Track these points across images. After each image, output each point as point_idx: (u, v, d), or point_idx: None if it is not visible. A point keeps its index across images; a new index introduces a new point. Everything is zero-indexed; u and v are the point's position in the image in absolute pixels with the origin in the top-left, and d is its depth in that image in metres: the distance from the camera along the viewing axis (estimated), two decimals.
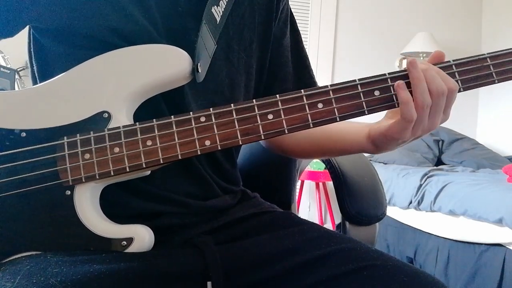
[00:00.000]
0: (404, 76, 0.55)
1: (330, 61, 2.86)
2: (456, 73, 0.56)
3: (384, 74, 0.55)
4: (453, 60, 0.56)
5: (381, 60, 2.91)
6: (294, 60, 0.77)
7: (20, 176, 0.50)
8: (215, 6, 0.61)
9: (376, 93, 0.55)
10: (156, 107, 0.58)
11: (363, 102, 0.54)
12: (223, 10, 0.62)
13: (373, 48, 2.92)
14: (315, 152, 0.75)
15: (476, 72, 0.56)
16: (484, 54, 0.57)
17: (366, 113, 0.54)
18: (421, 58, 2.80)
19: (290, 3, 0.80)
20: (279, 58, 0.75)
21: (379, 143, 0.60)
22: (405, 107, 0.53)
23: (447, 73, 0.55)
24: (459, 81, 0.56)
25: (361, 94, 0.55)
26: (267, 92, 0.74)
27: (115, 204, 0.56)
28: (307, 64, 0.79)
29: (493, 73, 0.56)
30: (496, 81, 0.56)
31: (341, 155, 0.76)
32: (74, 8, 0.55)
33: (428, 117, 0.54)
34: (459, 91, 0.56)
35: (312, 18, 2.85)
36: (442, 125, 2.20)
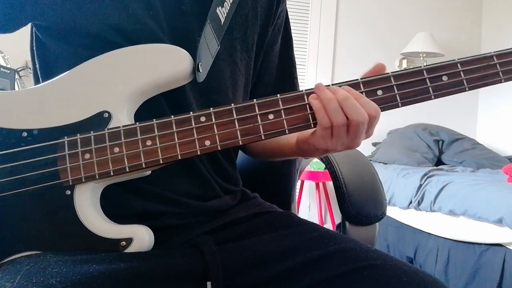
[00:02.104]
0: (407, 75, 0.55)
1: (330, 61, 2.86)
2: (462, 72, 0.54)
3: (387, 73, 0.55)
4: (458, 59, 0.55)
5: (381, 60, 2.89)
6: (281, 66, 0.77)
7: (21, 175, 0.50)
8: (220, 7, 0.61)
9: (379, 92, 0.54)
10: (158, 107, 0.58)
11: None
12: (227, 11, 0.62)
13: (373, 48, 2.92)
14: (263, 153, 0.77)
15: (482, 71, 0.55)
16: (490, 53, 0.55)
17: None
18: (421, 58, 2.80)
19: (290, 3, 0.80)
20: (268, 63, 0.75)
21: (304, 149, 0.60)
22: (317, 113, 0.53)
23: (452, 72, 0.55)
24: (464, 81, 0.55)
25: (364, 94, 0.54)
26: (250, 96, 0.74)
27: (115, 204, 0.56)
28: (292, 71, 0.79)
29: (500, 72, 0.55)
30: (503, 80, 0.55)
31: (278, 158, 0.77)
32: (76, 6, 0.55)
33: (348, 135, 0.53)
34: (465, 90, 0.55)
35: (312, 18, 2.85)
36: (442, 125, 2.17)
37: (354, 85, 0.54)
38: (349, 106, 0.52)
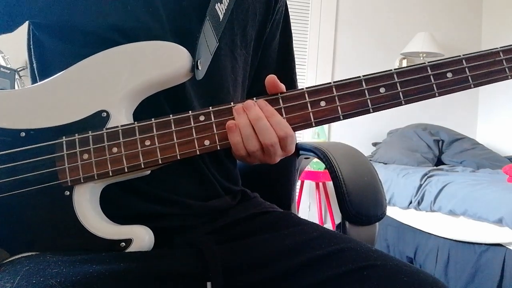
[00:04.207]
0: (410, 71, 0.53)
1: (330, 61, 2.86)
2: (467, 69, 0.53)
3: (390, 70, 0.54)
4: (463, 55, 0.54)
5: (381, 60, 2.91)
6: (280, 61, 0.77)
7: (19, 176, 0.50)
8: (219, 3, 0.61)
9: (382, 90, 0.53)
10: (158, 106, 0.58)
11: (368, 100, 0.53)
12: (226, 7, 0.62)
13: (373, 48, 2.92)
14: None
15: (488, 68, 0.53)
16: (496, 48, 0.54)
17: (371, 111, 0.53)
18: (421, 58, 2.80)
19: (290, 3, 0.79)
20: (266, 59, 0.75)
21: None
22: (234, 146, 0.52)
23: (457, 68, 0.53)
24: (469, 77, 0.53)
25: (366, 91, 0.53)
26: (247, 92, 0.74)
27: (115, 205, 0.56)
28: (291, 66, 0.79)
29: (506, 68, 0.53)
30: (510, 77, 0.53)
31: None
32: (74, 4, 0.55)
33: (263, 155, 0.53)
34: (470, 87, 0.53)
35: (312, 18, 2.85)
36: (442, 125, 2.17)
37: (356, 82, 0.53)
38: (261, 128, 0.51)
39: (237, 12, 0.66)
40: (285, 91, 0.54)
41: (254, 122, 0.52)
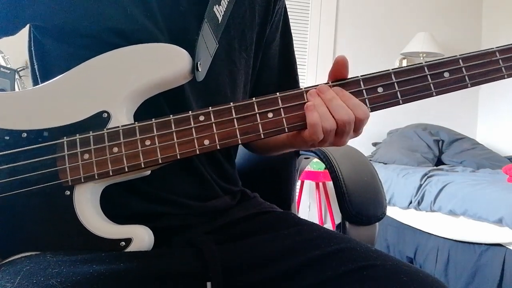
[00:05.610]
0: (408, 71, 0.54)
1: (330, 61, 2.86)
2: (463, 68, 0.54)
3: (388, 70, 0.54)
4: (460, 55, 0.54)
5: (381, 60, 2.91)
6: (282, 62, 0.77)
7: (20, 176, 0.50)
8: (217, 5, 0.61)
9: (380, 89, 0.54)
10: (158, 108, 0.58)
11: (366, 99, 0.53)
12: (224, 9, 0.62)
13: (373, 48, 2.92)
14: (260, 147, 0.77)
15: (484, 67, 0.54)
16: (492, 48, 0.54)
17: (369, 110, 0.53)
18: (421, 58, 2.80)
19: (290, 3, 0.79)
20: (266, 61, 0.75)
21: (293, 143, 0.61)
22: (312, 127, 0.52)
23: (454, 68, 0.54)
24: (466, 77, 0.54)
25: (364, 91, 0.54)
26: (250, 94, 0.74)
27: (115, 205, 0.56)
28: (294, 69, 0.79)
29: (503, 68, 0.54)
30: (506, 76, 0.54)
31: (273, 152, 0.76)
32: (75, 8, 0.55)
33: (336, 136, 0.54)
34: (467, 87, 0.54)
35: (312, 18, 2.85)
36: (442, 125, 2.17)
37: (354, 82, 0.54)
38: (336, 105, 0.52)
39: (234, 16, 0.66)
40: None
41: (328, 102, 0.52)
